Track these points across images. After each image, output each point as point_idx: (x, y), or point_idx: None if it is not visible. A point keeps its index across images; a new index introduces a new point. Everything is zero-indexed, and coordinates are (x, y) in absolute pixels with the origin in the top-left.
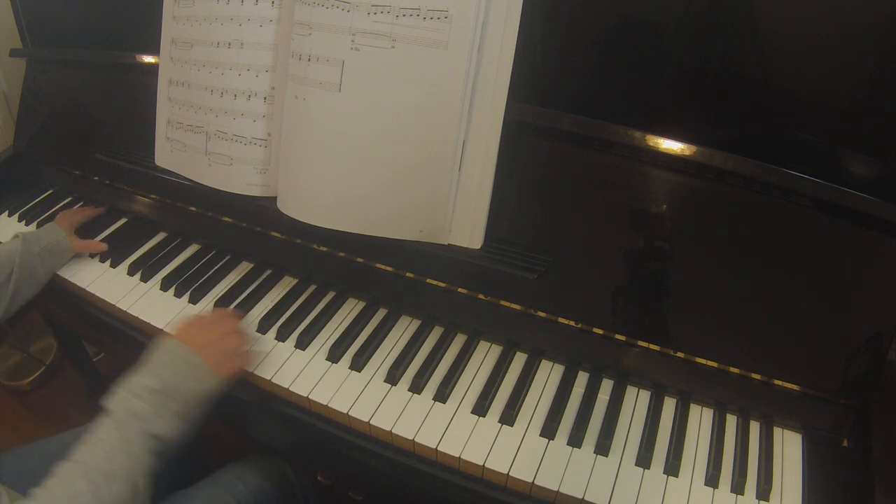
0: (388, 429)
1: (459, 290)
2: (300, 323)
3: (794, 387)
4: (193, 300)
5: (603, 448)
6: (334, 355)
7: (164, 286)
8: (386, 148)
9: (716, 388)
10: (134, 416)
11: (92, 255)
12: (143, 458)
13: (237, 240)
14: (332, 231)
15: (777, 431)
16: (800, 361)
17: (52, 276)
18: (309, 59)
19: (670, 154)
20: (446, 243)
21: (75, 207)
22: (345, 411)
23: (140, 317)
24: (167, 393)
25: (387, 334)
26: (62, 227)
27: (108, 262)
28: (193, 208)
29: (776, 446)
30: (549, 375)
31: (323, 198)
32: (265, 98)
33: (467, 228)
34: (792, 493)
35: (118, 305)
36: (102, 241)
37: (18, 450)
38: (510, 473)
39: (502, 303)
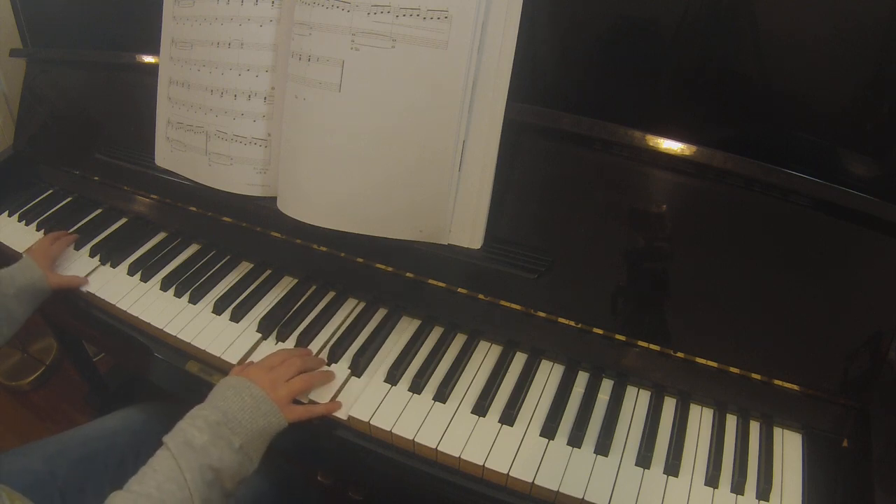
0: (388, 429)
1: (459, 290)
2: (300, 323)
3: (794, 387)
4: (193, 300)
5: (603, 448)
6: (334, 355)
7: (164, 286)
8: (386, 148)
9: (716, 388)
10: (189, 447)
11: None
12: (198, 489)
13: (237, 240)
14: (332, 231)
15: (777, 431)
16: (800, 361)
17: (31, 314)
18: (309, 59)
19: (670, 154)
20: (446, 243)
21: (51, 235)
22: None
23: (140, 317)
24: (227, 425)
25: (387, 334)
26: (39, 262)
27: (108, 263)
28: (193, 208)
29: (776, 446)
30: (549, 375)
31: (323, 198)
32: (265, 98)
33: (467, 228)
34: (792, 493)
35: (118, 305)
36: (102, 240)
37: (18, 450)
38: (510, 473)
39: (502, 303)
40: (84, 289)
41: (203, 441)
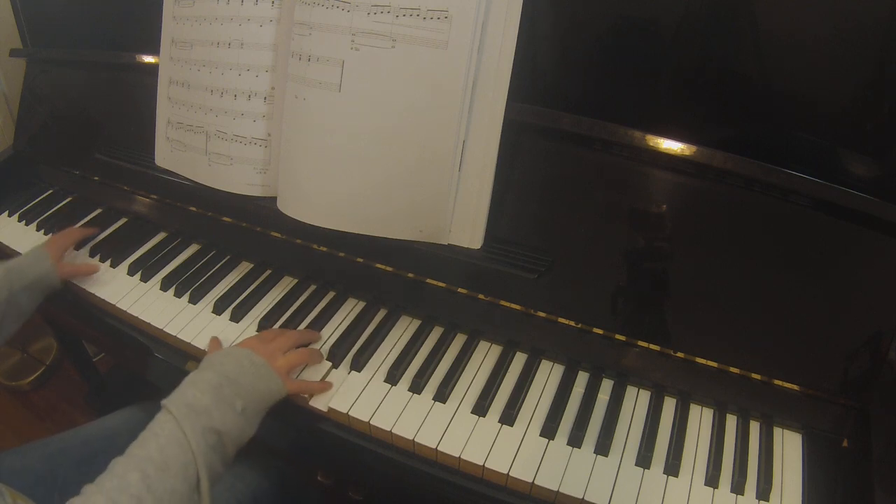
0: (388, 429)
1: (459, 290)
2: (300, 323)
3: (794, 387)
4: (193, 300)
5: (603, 448)
6: (334, 356)
7: (164, 286)
8: (386, 148)
9: (716, 388)
10: (191, 409)
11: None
12: (201, 452)
13: (237, 240)
14: (332, 231)
15: (777, 431)
16: (800, 361)
17: (37, 307)
18: (309, 59)
19: (670, 154)
20: (446, 243)
21: (70, 229)
22: (344, 411)
23: (140, 317)
24: (228, 387)
25: (387, 334)
26: (51, 252)
27: (108, 263)
28: (193, 208)
29: (776, 446)
30: (549, 375)
31: (323, 198)
32: (265, 98)
33: (467, 228)
34: (792, 493)
35: (118, 305)
36: (102, 240)
37: (18, 449)
38: (510, 473)
39: (502, 303)
40: (84, 288)
41: (206, 403)
